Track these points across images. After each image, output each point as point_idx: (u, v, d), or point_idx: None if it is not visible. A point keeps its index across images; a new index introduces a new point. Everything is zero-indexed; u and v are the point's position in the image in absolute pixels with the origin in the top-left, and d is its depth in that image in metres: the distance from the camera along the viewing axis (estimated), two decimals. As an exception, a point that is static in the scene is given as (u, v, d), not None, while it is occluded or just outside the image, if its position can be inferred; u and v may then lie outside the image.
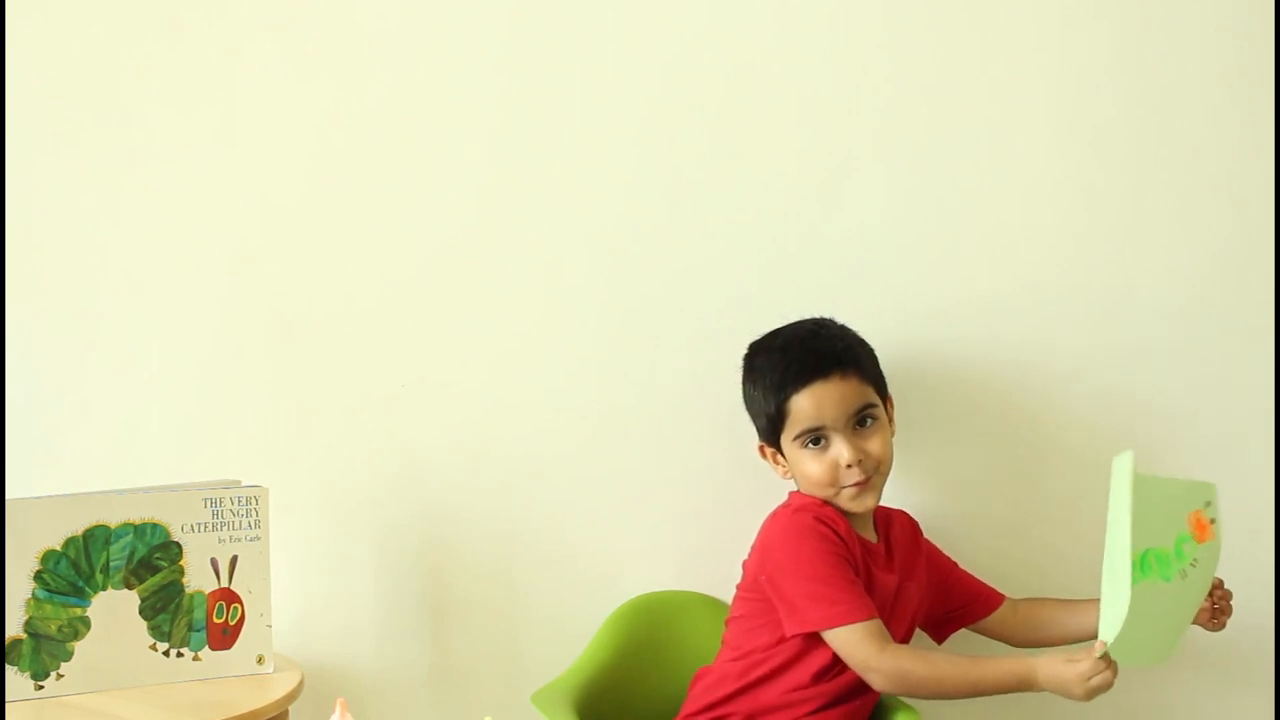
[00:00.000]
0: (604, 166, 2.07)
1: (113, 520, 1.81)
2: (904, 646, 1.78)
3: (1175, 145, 2.09)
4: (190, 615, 1.85)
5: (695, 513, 2.06)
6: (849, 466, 1.79)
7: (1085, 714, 2.06)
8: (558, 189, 2.07)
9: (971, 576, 1.97)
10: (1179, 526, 1.64)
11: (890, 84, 2.08)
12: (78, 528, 1.80)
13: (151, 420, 2.07)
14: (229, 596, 1.87)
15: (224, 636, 1.86)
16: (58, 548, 1.79)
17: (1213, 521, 1.67)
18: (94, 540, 1.81)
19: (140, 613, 1.83)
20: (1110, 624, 1.59)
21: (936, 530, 2.04)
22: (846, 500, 1.81)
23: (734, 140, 2.07)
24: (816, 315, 1.97)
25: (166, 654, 1.84)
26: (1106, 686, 1.63)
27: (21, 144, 2.04)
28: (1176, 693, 2.05)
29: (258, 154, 2.08)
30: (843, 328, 1.90)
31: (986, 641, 1.99)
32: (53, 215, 2.07)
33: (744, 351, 1.95)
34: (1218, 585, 1.78)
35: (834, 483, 1.80)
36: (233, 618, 1.87)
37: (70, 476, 1.94)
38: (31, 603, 1.77)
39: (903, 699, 1.86)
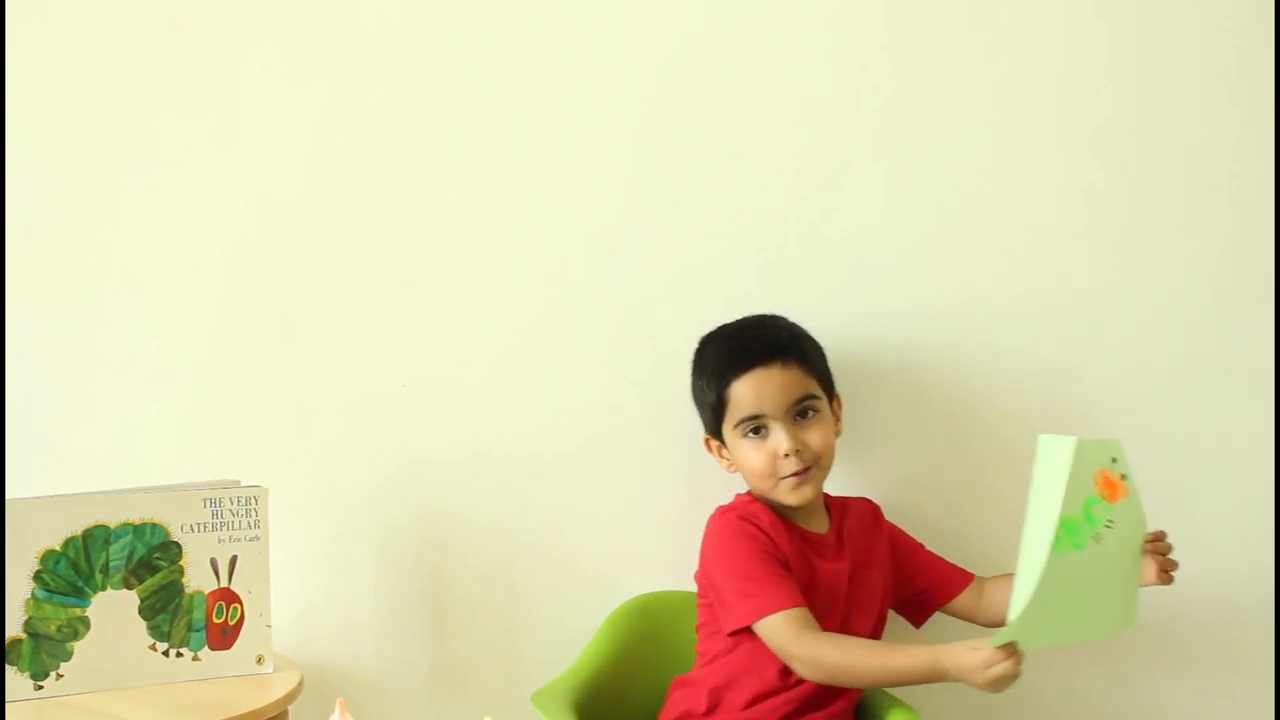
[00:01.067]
0: (604, 166, 2.07)
1: (112, 520, 1.82)
2: (824, 634, 1.76)
3: (1175, 145, 2.09)
4: (190, 615, 1.85)
5: (695, 513, 2.05)
6: (786, 456, 1.79)
7: (1086, 715, 2.08)
8: (558, 189, 2.07)
9: (938, 558, 1.96)
10: (1086, 490, 1.57)
11: (890, 84, 2.08)
12: (77, 528, 1.80)
13: (151, 420, 2.07)
14: (228, 596, 1.87)
15: (223, 636, 1.86)
16: (57, 548, 1.79)
17: (1124, 478, 1.60)
18: (93, 540, 1.81)
19: (140, 613, 1.83)
20: (1012, 610, 1.52)
21: (939, 530, 2.05)
22: (785, 492, 1.81)
23: (734, 140, 2.07)
24: (816, 315, 1.99)
25: (166, 654, 1.84)
26: (1008, 676, 1.56)
27: (21, 144, 2.05)
28: (1174, 693, 2.06)
29: (258, 154, 2.08)
30: (790, 323, 1.91)
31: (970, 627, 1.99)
32: (53, 215, 2.07)
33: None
34: (1157, 538, 1.72)
35: (773, 473, 1.81)
36: (232, 618, 1.87)
37: (70, 476, 1.94)
38: (31, 603, 1.77)
39: (899, 699, 1.87)
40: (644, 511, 2.05)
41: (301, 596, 2.05)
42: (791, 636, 1.73)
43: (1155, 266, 2.09)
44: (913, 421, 2.08)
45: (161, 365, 2.07)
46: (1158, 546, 1.72)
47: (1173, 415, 2.10)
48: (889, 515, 2.00)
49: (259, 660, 1.87)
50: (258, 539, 1.88)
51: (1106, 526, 1.56)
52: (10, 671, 1.77)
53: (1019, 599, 1.50)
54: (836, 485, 1.96)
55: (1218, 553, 2.09)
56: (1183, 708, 2.05)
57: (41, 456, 2.04)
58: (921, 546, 1.96)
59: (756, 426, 1.82)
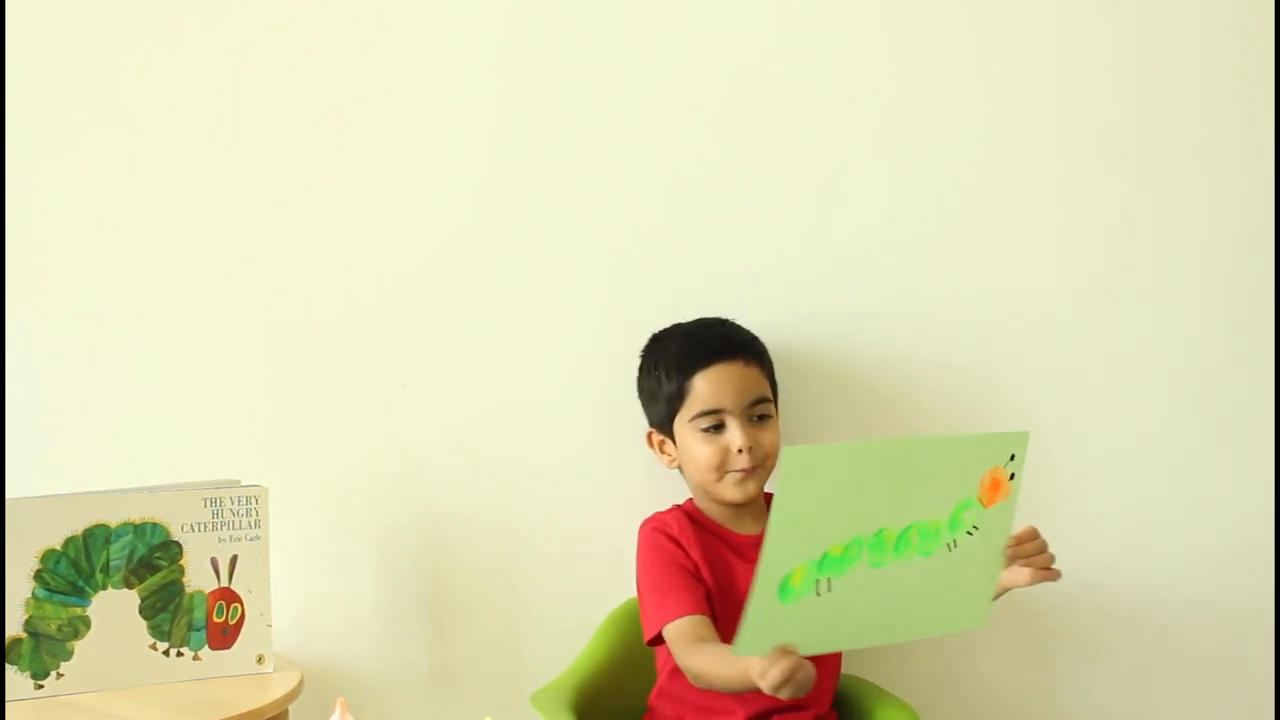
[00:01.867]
0: (604, 167, 2.07)
1: (113, 520, 1.82)
2: (703, 643, 1.74)
3: (1176, 145, 2.09)
4: (190, 615, 1.86)
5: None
6: (740, 452, 1.81)
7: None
8: (558, 189, 2.07)
9: None
10: (966, 491, 1.52)
11: (890, 84, 2.08)
12: (78, 527, 1.80)
13: (152, 420, 2.08)
14: (229, 596, 1.87)
15: (224, 636, 1.87)
16: (58, 547, 1.79)
17: (1012, 478, 1.54)
18: (94, 540, 1.81)
19: (140, 612, 1.83)
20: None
21: None
22: (729, 486, 1.83)
23: (734, 140, 2.08)
24: (816, 315, 2.01)
25: (166, 653, 1.85)
26: (784, 678, 1.48)
27: (21, 144, 2.05)
28: (1173, 696, 2.06)
29: (258, 154, 2.09)
30: (744, 328, 1.94)
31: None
32: (53, 215, 2.08)
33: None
34: (1023, 539, 1.61)
35: (721, 467, 1.82)
36: (232, 617, 1.87)
37: (70, 476, 1.95)
38: (31, 602, 1.78)
39: (899, 698, 1.88)
40: (644, 511, 2.03)
41: (302, 596, 2.05)
42: (681, 646, 1.75)
43: (1156, 267, 2.09)
44: (914, 420, 2.09)
45: (162, 365, 2.08)
46: (1021, 550, 1.61)
47: (1173, 414, 2.11)
48: None
49: (259, 660, 1.88)
50: (258, 539, 1.89)
51: (969, 533, 1.53)
52: (11, 671, 1.77)
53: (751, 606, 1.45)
54: None
55: (1217, 556, 2.10)
56: (1184, 708, 2.06)
57: (42, 456, 2.05)
58: None
59: (716, 422, 1.84)
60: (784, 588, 1.46)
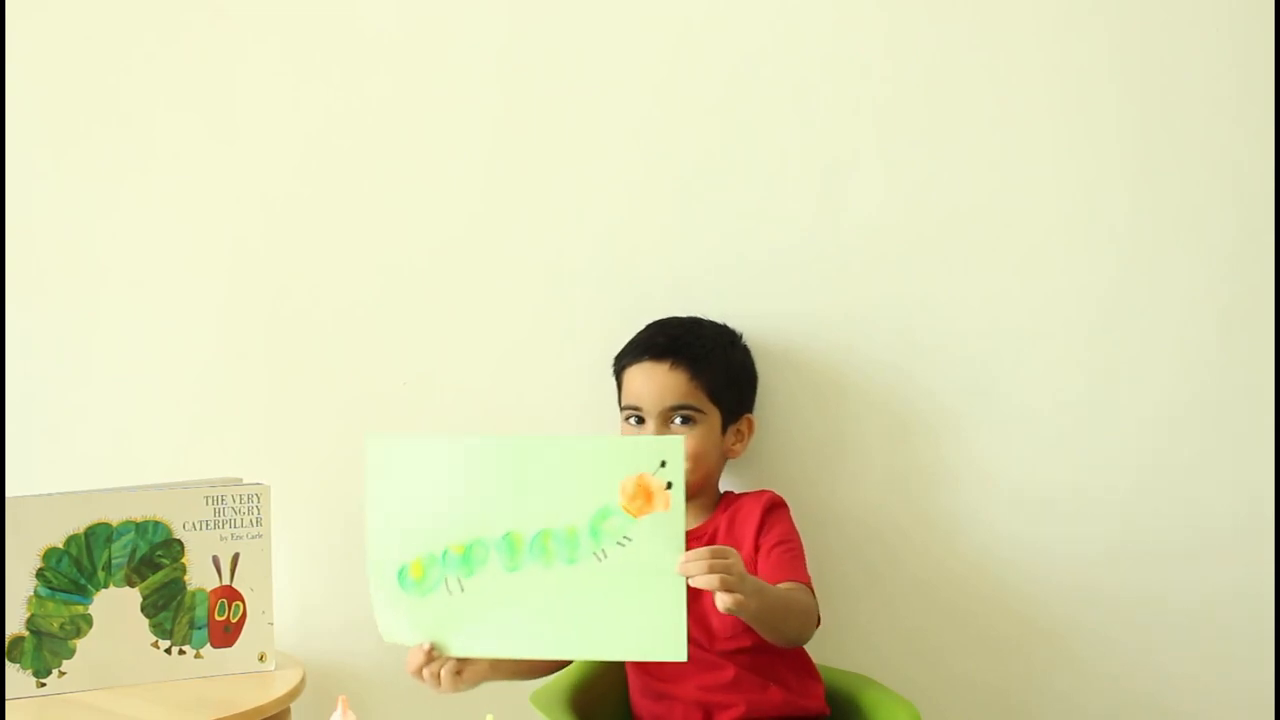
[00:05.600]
0: (605, 167, 2.09)
1: (114, 518, 1.84)
2: None
3: (1176, 145, 2.09)
4: (192, 613, 1.87)
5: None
6: None
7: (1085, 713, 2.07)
8: (557, 189, 2.09)
9: (780, 560, 1.87)
10: (604, 498, 1.47)
11: (890, 84, 2.09)
12: (80, 525, 1.82)
13: (153, 419, 2.10)
14: (230, 594, 1.88)
15: (225, 634, 1.88)
16: (60, 545, 1.81)
17: (669, 486, 1.47)
18: (96, 538, 1.82)
19: (142, 610, 1.85)
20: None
21: (932, 520, 2.05)
22: None
23: (734, 142, 2.10)
24: (816, 315, 2.02)
25: (168, 651, 1.86)
26: (416, 674, 1.67)
27: (22, 144, 2.07)
28: (1175, 690, 2.06)
29: (258, 154, 2.10)
30: (716, 333, 1.96)
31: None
32: (53, 215, 2.10)
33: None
34: (697, 557, 1.52)
35: None
36: (234, 615, 1.89)
37: (72, 474, 1.96)
38: (34, 600, 1.80)
39: (900, 695, 1.89)
40: None
41: (303, 594, 2.06)
42: None
43: (1156, 268, 2.09)
44: (913, 420, 2.10)
45: (163, 364, 2.10)
46: (689, 567, 1.51)
47: (1172, 414, 2.10)
48: (875, 512, 2.04)
49: (261, 658, 1.89)
50: (260, 536, 1.90)
51: (621, 544, 1.48)
52: (13, 669, 1.79)
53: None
54: (841, 480, 2.03)
55: (1219, 556, 2.09)
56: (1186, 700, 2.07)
57: (43, 455, 2.06)
58: (777, 545, 1.88)
59: (638, 417, 1.87)
60: (402, 576, 1.54)
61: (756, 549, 1.88)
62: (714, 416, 1.90)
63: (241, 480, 1.92)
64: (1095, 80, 2.08)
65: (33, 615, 1.80)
